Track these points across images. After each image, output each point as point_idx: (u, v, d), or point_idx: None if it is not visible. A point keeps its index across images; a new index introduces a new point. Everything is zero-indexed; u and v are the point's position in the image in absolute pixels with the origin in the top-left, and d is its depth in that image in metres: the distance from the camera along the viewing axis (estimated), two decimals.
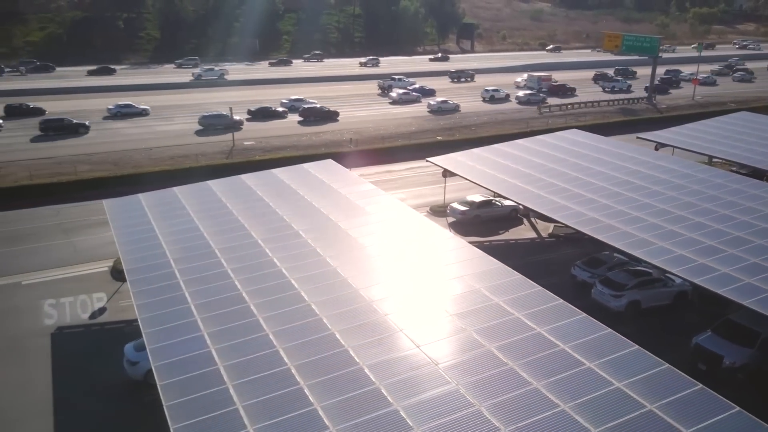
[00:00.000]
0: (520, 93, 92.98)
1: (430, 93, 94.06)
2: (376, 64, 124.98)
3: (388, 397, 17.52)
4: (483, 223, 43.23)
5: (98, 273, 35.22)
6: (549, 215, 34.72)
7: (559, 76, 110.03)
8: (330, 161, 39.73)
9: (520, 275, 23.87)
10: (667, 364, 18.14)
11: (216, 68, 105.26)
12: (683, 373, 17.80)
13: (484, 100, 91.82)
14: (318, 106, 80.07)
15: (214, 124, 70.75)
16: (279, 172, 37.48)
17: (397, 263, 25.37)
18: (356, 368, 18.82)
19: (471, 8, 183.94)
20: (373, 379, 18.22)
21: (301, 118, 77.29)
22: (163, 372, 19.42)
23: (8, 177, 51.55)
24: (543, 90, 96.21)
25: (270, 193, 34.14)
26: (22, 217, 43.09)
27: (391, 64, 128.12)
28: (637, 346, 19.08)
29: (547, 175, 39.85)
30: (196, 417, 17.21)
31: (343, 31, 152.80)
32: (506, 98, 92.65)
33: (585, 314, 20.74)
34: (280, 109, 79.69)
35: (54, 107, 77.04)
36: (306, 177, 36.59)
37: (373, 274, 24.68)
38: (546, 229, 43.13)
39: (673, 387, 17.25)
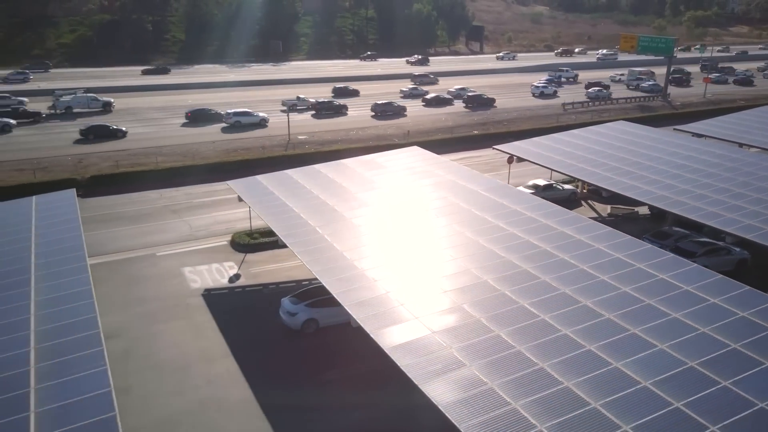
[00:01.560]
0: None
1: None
2: (424, 62, 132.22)
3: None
4: None
5: (219, 246, 39.33)
6: (622, 193, 39.18)
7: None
8: (416, 147, 44.02)
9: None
10: None
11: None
12: None
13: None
14: (479, 94, 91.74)
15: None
16: (377, 157, 41.73)
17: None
18: None
19: (473, 12, 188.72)
20: None
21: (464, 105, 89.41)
22: (356, 309, 23.59)
23: (102, 164, 55.46)
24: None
25: (372, 173, 38.38)
26: (133, 200, 47.12)
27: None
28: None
29: (610, 159, 44.36)
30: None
31: (358, 33, 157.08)
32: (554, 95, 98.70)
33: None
34: (447, 96, 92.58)
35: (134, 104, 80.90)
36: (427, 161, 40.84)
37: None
38: (603, 210, 47.55)
39: None
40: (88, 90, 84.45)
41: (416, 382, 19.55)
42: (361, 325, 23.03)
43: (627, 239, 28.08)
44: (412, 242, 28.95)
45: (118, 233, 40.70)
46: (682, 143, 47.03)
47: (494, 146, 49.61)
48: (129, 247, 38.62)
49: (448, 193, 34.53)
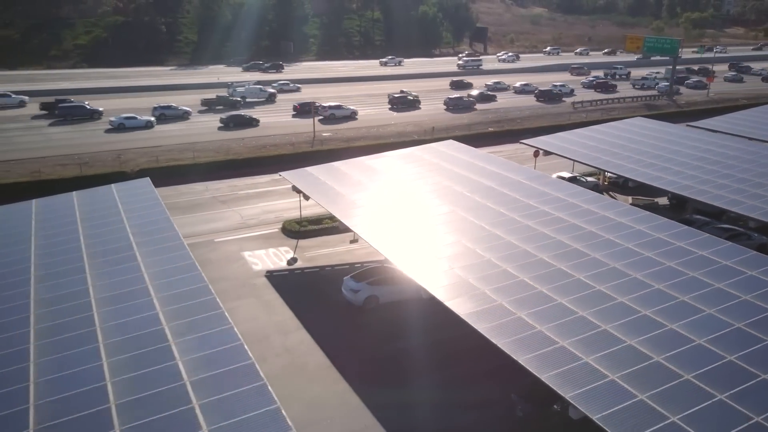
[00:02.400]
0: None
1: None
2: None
3: None
4: None
5: (272, 233, 41.92)
6: (649, 183, 41.92)
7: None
8: (452, 141, 46.66)
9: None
10: None
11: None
12: None
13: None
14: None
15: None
16: (415, 150, 44.35)
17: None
18: None
19: (474, 13, 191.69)
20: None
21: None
22: (427, 282, 26.21)
23: (140, 159, 57.91)
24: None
25: (414, 165, 40.99)
26: (180, 191, 49.63)
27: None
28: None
29: (633, 153, 47.11)
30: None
31: (365, 34, 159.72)
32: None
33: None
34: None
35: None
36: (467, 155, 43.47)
37: None
38: (625, 201, 50.21)
39: None
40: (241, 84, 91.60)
41: (495, 342, 22.15)
42: (435, 295, 25.62)
43: (665, 221, 30.76)
44: (471, 227, 31.54)
45: (175, 221, 43.09)
46: (700, 138, 49.84)
47: (521, 140, 52.25)
48: (188, 234, 41.09)
49: (492, 182, 37.15)
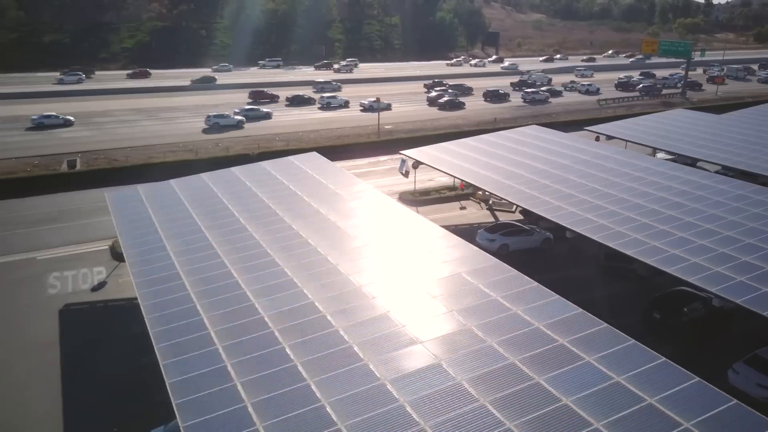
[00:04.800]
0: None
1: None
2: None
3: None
4: None
5: None
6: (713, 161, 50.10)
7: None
8: (535, 126, 54.74)
9: None
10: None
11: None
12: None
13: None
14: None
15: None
16: (507, 132, 52.39)
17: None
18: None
19: (487, 19, 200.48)
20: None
21: None
22: (565, 221, 34.21)
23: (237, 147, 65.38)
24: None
25: (516, 144, 49.00)
26: None
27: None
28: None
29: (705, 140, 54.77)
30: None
31: (384, 39, 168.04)
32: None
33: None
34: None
35: None
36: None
37: None
38: None
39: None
40: None
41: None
42: (581, 232, 33.55)
43: None
44: (577, 185, 39.55)
45: None
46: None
47: (585, 128, 60.42)
48: None
49: (583, 155, 45.25)
